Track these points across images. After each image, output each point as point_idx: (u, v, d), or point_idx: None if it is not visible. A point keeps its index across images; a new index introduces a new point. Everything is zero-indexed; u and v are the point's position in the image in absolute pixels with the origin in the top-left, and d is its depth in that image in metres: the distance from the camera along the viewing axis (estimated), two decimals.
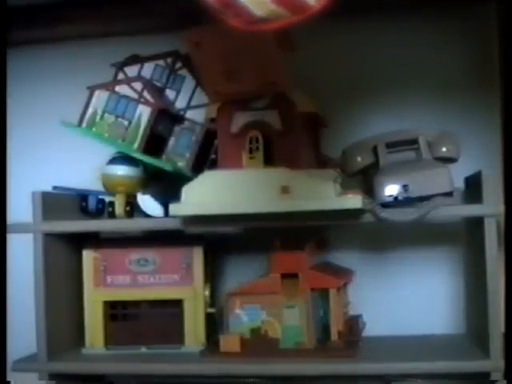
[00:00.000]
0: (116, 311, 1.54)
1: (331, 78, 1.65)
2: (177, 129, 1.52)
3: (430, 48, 1.63)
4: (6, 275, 1.38)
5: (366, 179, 1.45)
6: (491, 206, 1.31)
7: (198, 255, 1.51)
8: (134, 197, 1.52)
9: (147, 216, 1.51)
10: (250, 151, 1.33)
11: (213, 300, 1.55)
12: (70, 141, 1.60)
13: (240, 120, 1.35)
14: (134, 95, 1.48)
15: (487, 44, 1.61)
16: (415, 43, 1.64)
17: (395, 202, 1.35)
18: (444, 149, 1.41)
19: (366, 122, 1.63)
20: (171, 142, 1.51)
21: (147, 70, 1.54)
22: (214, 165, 1.48)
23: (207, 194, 1.30)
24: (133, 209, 1.52)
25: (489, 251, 1.31)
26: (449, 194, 1.35)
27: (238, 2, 0.84)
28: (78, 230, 1.48)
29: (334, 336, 1.42)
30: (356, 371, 1.38)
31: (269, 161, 1.32)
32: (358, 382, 1.45)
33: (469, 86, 1.61)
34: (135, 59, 1.56)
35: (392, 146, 1.43)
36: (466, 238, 1.54)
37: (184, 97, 1.53)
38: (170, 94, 1.53)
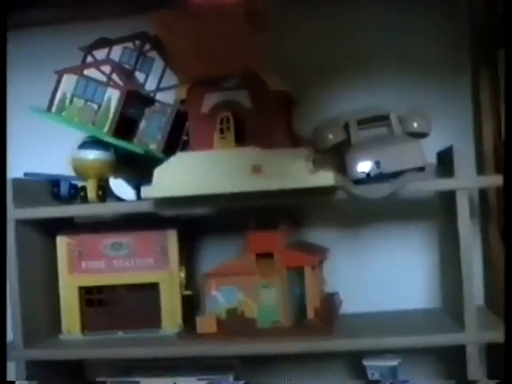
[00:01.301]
0: (92, 296, 1.54)
1: (302, 56, 1.64)
2: (147, 111, 1.51)
3: (401, 25, 1.63)
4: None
5: (338, 156, 1.44)
6: (463, 179, 1.31)
7: (172, 238, 1.50)
8: (106, 181, 1.51)
9: (120, 200, 1.50)
10: (221, 131, 1.32)
11: (189, 282, 1.54)
12: (39, 126, 1.59)
13: (210, 100, 1.34)
14: (103, 78, 1.47)
15: (457, 20, 1.60)
16: (387, 21, 1.63)
17: (368, 179, 1.34)
18: (415, 124, 1.41)
19: (337, 99, 1.63)
20: (142, 124, 1.50)
21: (116, 52, 1.53)
22: (186, 146, 1.47)
23: (179, 176, 1.29)
24: (105, 193, 1.51)
25: (461, 224, 1.31)
26: (421, 169, 1.36)
27: None
28: (51, 216, 1.47)
29: (310, 314, 1.42)
30: (333, 348, 1.39)
31: (240, 140, 1.32)
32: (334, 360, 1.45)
33: (439, 61, 1.61)
34: (103, 42, 1.54)
35: (363, 122, 1.42)
36: (440, 212, 1.54)
37: (154, 79, 1.52)
38: (139, 76, 1.52)
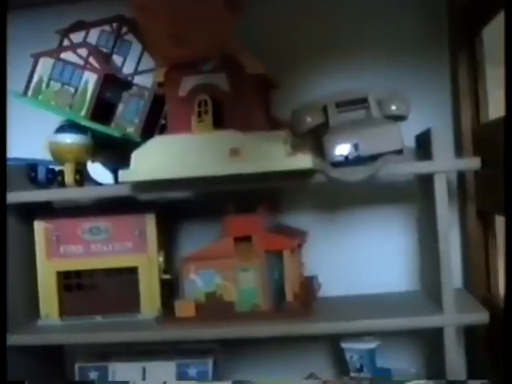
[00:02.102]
0: (70, 281, 1.53)
1: (280, 39, 1.63)
2: (125, 95, 1.49)
3: (379, 8, 1.62)
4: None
5: (316, 139, 1.44)
6: (441, 162, 1.31)
7: (150, 222, 1.50)
8: (84, 165, 1.50)
9: (98, 184, 1.49)
10: (199, 115, 1.32)
11: (168, 266, 1.54)
12: (16, 110, 1.58)
13: (188, 84, 1.33)
14: (80, 62, 1.46)
15: (436, 4, 1.60)
16: (364, 3, 1.63)
17: (346, 162, 1.34)
18: (393, 107, 1.41)
19: (316, 82, 1.62)
20: (120, 108, 1.49)
21: (93, 35, 1.52)
22: (164, 130, 1.47)
23: (157, 159, 1.29)
24: (83, 177, 1.49)
25: (439, 207, 1.32)
26: (399, 152, 1.36)
27: None
28: (28, 200, 1.46)
29: (289, 297, 1.42)
30: (311, 331, 1.39)
31: (218, 124, 1.31)
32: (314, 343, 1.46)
33: (417, 44, 1.61)
34: (80, 25, 1.53)
35: (342, 105, 1.42)
36: (419, 195, 1.54)
37: (131, 62, 1.51)
38: (116, 59, 1.51)
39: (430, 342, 1.55)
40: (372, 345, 1.46)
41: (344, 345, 1.48)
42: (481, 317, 1.34)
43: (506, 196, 1.02)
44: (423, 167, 1.35)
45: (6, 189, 1.40)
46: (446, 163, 1.32)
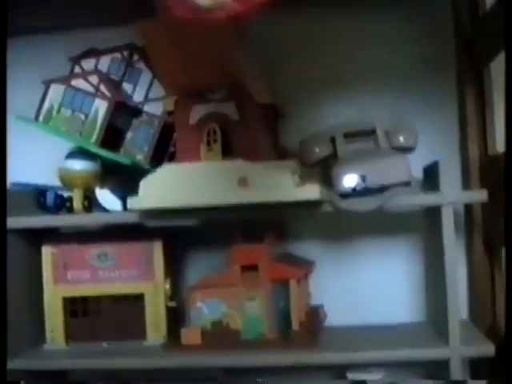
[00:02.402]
0: (76, 307, 1.53)
1: (288, 68, 1.64)
2: (135, 122, 1.51)
3: (387, 38, 1.64)
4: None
5: (324, 170, 1.44)
6: (448, 194, 1.32)
7: (157, 249, 1.50)
8: (93, 191, 1.51)
9: (106, 210, 1.50)
10: (208, 143, 1.32)
11: (174, 294, 1.54)
12: (26, 136, 1.59)
13: (197, 112, 1.34)
14: (91, 89, 1.47)
15: (443, 34, 1.61)
16: (372, 33, 1.64)
17: (354, 193, 1.35)
18: (401, 138, 1.41)
19: (323, 112, 1.63)
20: (129, 135, 1.51)
21: (104, 63, 1.54)
22: (173, 158, 1.48)
23: (165, 187, 1.29)
24: (91, 203, 1.50)
25: (446, 239, 1.32)
26: (407, 184, 1.35)
27: None
28: (37, 225, 1.47)
29: (295, 327, 1.42)
30: (317, 361, 1.39)
31: (227, 153, 1.32)
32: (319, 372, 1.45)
33: (425, 76, 1.62)
34: (92, 52, 1.55)
35: (350, 136, 1.42)
36: (425, 226, 1.55)
37: (141, 90, 1.52)
38: (127, 87, 1.53)
39: (435, 373, 1.55)
40: (378, 375, 1.45)
41: (350, 375, 1.47)
42: (486, 349, 1.34)
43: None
44: (431, 199, 1.35)
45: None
46: (453, 195, 1.32)
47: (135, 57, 1.52)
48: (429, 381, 1.38)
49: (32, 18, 1.65)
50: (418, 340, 1.42)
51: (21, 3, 1.58)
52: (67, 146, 1.50)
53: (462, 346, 1.32)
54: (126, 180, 1.47)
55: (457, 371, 1.32)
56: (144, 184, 1.31)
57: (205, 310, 1.45)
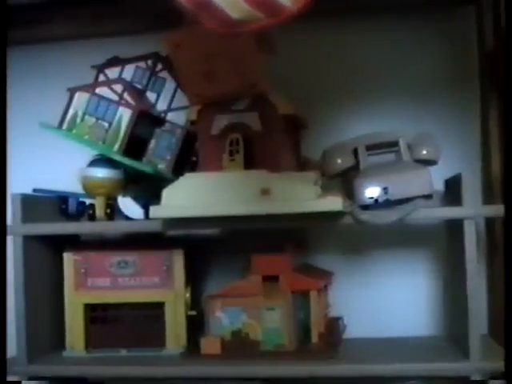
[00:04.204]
0: (96, 314, 1.54)
1: (311, 79, 1.65)
2: (157, 131, 1.51)
3: (409, 49, 1.64)
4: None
5: (346, 181, 1.45)
6: (470, 208, 1.31)
7: (178, 258, 1.51)
8: (115, 199, 1.51)
9: (127, 218, 1.50)
10: (231, 153, 1.33)
11: (193, 302, 1.54)
12: (50, 143, 1.60)
13: (220, 122, 1.35)
14: (115, 97, 1.48)
15: (467, 45, 1.61)
16: (394, 45, 1.64)
17: (375, 205, 1.35)
18: (424, 151, 1.42)
19: (345, 123, 1.63)
20: (152, 144, 1.51)
21: (128, 71, 1.55)
22: (194, 167, 1.48)
23: (187, 197, 1.30)
24: (113, 211, 1.51)
25: (468, 253, 1.31)
26: (429, 197, 1.36)
27: (213, 4, 0.84)
28: (58, 232, 1.48)
29: (314, 338, 1.43)
30: (336, 373, 1.38)
31: (249, 163, 1.32)
32: None
33: (448, 89, 1.62)
34: (116, 61, 1.56)
35: (372, 148, 1.43)
36: (446, 239, 1.54)
37: (165, 99, 1.53)
38: (150, 96, 1.54)
39: None
40: None
41: None
42: None
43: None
44: (453, 213, 1.34)
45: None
46: (475, 209, 1.31)
47: (159, 66, 1.53)
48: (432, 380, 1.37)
49: (57, 26, 1.67)
50: (437, 354, 1.42)
51: (47, 11, 1.60)
52: (90, 153, 1.51)
53: (483, 361, 1.32)
54: (147, 188, 1.48)
55: None
56: (166, 193, 1.31)
57: (224, 319, 1.45)
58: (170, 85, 1.52)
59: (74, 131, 1.49)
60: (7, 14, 1.36)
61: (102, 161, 1.48)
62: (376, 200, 1.35)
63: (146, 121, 1.49)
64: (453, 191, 1.41)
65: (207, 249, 1.66)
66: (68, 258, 1.53)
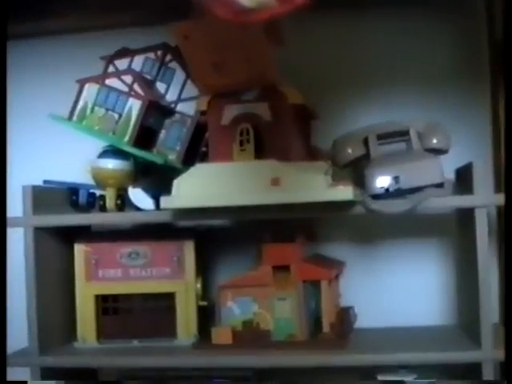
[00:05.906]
0: (107, 305, 1.54)
1: (321, 69, 1.65)
2: (167, 122, 1.51)
3: (419, 39, 1.64)
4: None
5: (356, 171, 1.44)
6: (482, 197, 1.31)
7: (189, 248, 1.51)
8: (125, 190, 1.51)
9: (138, 209, 1.50)
10: (241, 143, 1.32)
11: (204, 293, 1.55)
12: (60, 134, 1.60)
13: (230, 112, 1.34)
14: (125, 88, 1.47)
15: (477, 35, 1.61)
16: (405, 35, 1.64)
17: (386, 194, 1.34)
18: (435, 140, 1.41)
19: (356, 113, 1.63)
20: (162, 134, 1.51)
21: (137, 62, 1.54)
22: (205, 157, 1.48)
23: (198, 187, 1.30)
24: (124, 202, 1.51)
25: (480, 242, 1.31)
26: (440, 186, 1.35)
27: None
28: (69, 223, 1.48)
29: (325, 328, 1.42)
30: (347, 363, 1.38)
31: (259, 153, 1.32)
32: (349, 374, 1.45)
33: (459, 78, 1.62)
34: (125, 52, 1.55)
35: (383, 137, 1.42)
36: (457, 228, 1.54)
37: (174, 89, 1.53)
38: (160, 86, 1.53)
39: (466, 376, 1.54)
40: (409, 378, 1.44)
41: (380, 377, 1.47)
42: None
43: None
44: (464, 201, 1.34)
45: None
46: (487, 198, 1.31)
47: (168, 57, 1.53)
48: (466, 380, 1.37)
49: (66, 18, 1.67)
50: (449, 343, 1.42)
51: (56, 3, 1.60)
52: (100, 144, 1.50)
53: (495, 349, 1.31)
54: (158, 179, 1.48)
55: (489, 375, 1.31)
56: (177, 183, 1.31)
57: (235, 309, 1.45)
58: (179, 75, 1.52)
59: (83, 123, 1.49)
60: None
61: (112, 152, 1.48)
62: (387, 189, 1.34)
63: (156, 112, 1.49)
64: (464, 180, 1.40)
65: (218, 239, 1.67)
66: (79, 249, 1.54)
